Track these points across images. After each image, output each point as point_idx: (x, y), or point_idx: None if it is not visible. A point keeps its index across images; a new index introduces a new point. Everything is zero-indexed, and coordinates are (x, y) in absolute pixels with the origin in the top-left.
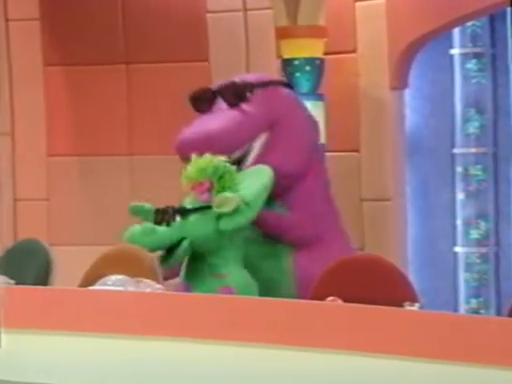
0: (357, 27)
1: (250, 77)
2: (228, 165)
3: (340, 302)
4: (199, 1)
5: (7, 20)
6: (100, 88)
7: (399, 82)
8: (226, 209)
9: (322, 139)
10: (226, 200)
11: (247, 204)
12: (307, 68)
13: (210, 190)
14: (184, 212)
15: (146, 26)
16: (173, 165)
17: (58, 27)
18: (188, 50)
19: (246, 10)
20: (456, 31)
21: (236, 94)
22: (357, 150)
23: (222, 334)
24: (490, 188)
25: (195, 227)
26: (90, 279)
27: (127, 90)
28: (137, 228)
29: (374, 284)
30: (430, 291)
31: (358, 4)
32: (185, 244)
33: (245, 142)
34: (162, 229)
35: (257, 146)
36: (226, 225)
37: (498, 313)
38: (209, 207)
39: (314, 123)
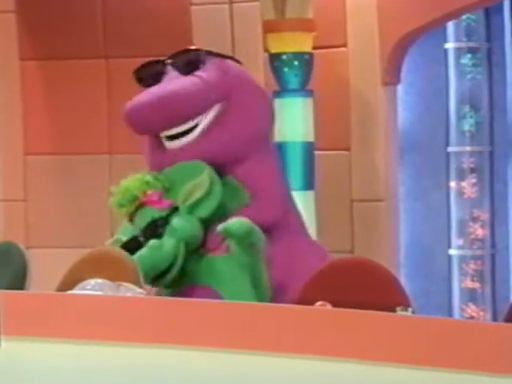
0: (347, 20)
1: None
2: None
3: (329, 306)
4: None
5: None
6: (79, 83)
7: (391, 77)
8: (201, 191)
9: (310, 137)
10: (197, 185)
11: (212, 183)
12: (295, 63)
13: (162, 197)
14: (162, 223)
15: (127, 19)
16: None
17: (34, 20)
18: (171, 44)
19: (231, 2)
20: (450, 25)
21: (190, 62)
22: (347, 149)
23: (207, 341)
24: (486, 188)
25: (184, 229)
26: (68, 283)
27: (107, 85)
28: (143, 250)
29: (364, 288)
30: (423, 295)
31: None
32: (182, 248)
33: (201, 110)
34: (165, 240)
35: (208, 116)
36: (204, 210)
37: (495, 318)
38: (176, 209)
39: (270, 105)
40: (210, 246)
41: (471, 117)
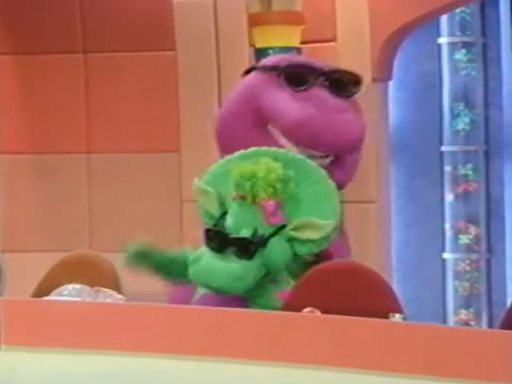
0: (336, 14)
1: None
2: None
3: (318, 313)
4: None
5: None
6: (56, 79)
7: (382, 73)
8: (317, 235)
9: None
10: (318, 226)
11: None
12: None
13: (279, 209)
14: (262, 241)
15: (106, 12)
16: (135, 163)
17: (9, 13)
18: (152, 38)
19: None
20: (444, 18)
21: (352, 84)
22: None
23: (191, 348)
24: (481, 189)
25: (276, 255)
26: (44, 289)
27: (85, 81)
28: (220, 269)
29: (354, 294)
30: (416, 301)
31: None
32: (260, 273)
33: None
34: (248, 269)
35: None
36: (305, 250)
37: (490, 325)
38: (283, 227)
39: None
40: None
41: (465, 115)
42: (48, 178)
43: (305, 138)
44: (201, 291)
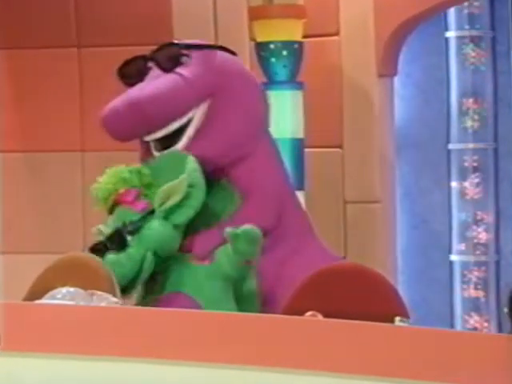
0: (340, 6)
1: (187, 41)
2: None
3: (320, 317)
4: None
5: None
6: (49, 74)
7: (387, 68)
8: (178, 196)
9: (300, 133)
10: (173, 188)
11: (192, 186)
12: (284, 53)
13: (139, 197)
14: (135, 229)
15: (101, 4)
16: (131, 161)
17: (0, 6)
18: (149, 32)
19: None
20: (451, 12)
21: (170, 57)
22: (340, 146)
23: (187, 354)
24: (490, 189)
25: (155, 236)
26: (36, 292)
27: (79, 76)
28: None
29: (358, 297)
30: (422, 305)
31: None
32: (149, 257)
33: (182, 111)
34: (130, 252)
35: (197, 116)
36: (181, 217)
37: (499, 329)
38: (152, 212)
39: (263, 96)
40: (195, 253)
41: (474, 111)
42: (40, 176)
43: (114, 134)
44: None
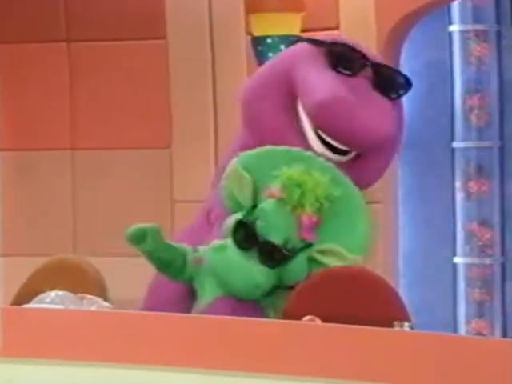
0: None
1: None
2: (348, 196)
3: (318, 321)
4: None
5: None
6: (37, 70)
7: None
8: (332, 262)
9: None
10: (341, 256)
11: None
12: (282, 47)
13: (316, 227)
14: (291, 254)
15: None
16: (123, 161)
17: None
18: (141, 26)
19: None
20: (455, 5)
21: (400, 85)
22: None
23: (179, 359)
24: (496, 189)
25: (295, 271)
26: (24, 296)
27: (69, 72)
28: (243, 269)
29: (358, 301)
30: (424, 309)
31: None
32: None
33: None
34: (268, 278)
35: None
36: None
37: (505, 334)
38: (309, 245)
39: None
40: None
41: (479, 108)
42: (29, 176)
43: (325, 120)
44: (205, 299)
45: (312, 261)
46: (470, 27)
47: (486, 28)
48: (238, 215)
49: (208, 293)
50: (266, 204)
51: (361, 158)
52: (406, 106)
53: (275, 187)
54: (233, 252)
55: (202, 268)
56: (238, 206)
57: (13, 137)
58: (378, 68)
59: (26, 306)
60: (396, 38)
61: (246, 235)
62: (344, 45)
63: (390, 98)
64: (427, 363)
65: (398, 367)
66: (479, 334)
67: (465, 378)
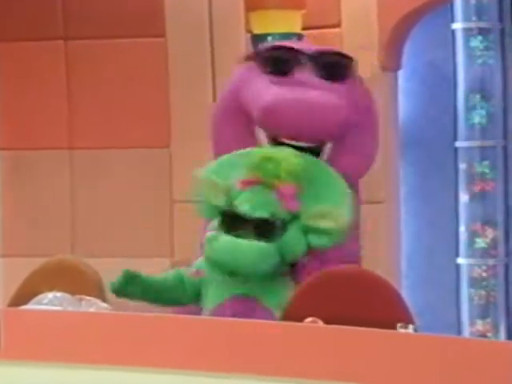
0: None
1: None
2: (319, 163)
3: (321, 323)
4: None
5: None
6: (34, 68)
7: (391, 62)
8: (329, 224)
9: None
10: (329, 214)
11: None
12: None
13: (296, 195)
14: (282, 225)
15: None
16: (121, 160)
17: None
18: (140, 23)
19: None
20: (458, 2)
21: (343, 66)
22: None
23: (180, 362)
24: (499, 188)
25: (293, 244)
26: (22, 297)
27: (66, 70)
28: (243, 246)
29: (360, 302)
30: (428, 311)
31: None
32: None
33: (340, 132)
34: (271, 250)
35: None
36: (319, 242)
37: (509, 336)
38: (296, 217)
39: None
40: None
41: (482, 107)
42: (26, 176)
43: (275, 124)
44: (211, 305)
45: (307, 231)
46: (473, 25)
47: (490, 26)
48: (211, 219)
49: (211, 300)
50: (241, 195)
51: (337, 149)
52: (407, 105)
53: (246, 176)
54: (227, 237)
55: (203, 278)
56: (217, 213)
57: (10, 136)
58: (316, 58)
59: (23, 307)
60: (398, 35)
61: (232, 220)
62: (274, 48)
63: (338, 81)
64: (430, 366)
65: (400, 370)
66: (483, 335)
67: (469, 381)
